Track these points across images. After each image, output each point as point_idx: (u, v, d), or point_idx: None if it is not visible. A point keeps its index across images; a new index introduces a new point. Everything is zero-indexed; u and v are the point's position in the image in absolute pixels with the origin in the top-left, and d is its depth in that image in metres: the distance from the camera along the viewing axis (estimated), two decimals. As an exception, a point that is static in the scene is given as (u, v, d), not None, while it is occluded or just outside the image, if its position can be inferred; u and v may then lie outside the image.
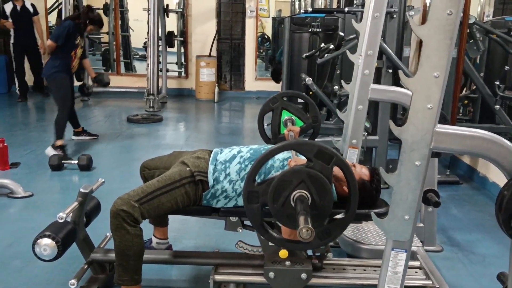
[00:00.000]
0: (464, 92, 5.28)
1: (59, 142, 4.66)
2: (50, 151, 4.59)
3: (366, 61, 2.45)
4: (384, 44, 3.74)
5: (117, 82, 8.88)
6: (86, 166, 4.34)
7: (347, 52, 2.76)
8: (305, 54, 5.24)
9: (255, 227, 1.71)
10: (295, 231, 1.81)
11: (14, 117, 7.19)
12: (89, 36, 8.00)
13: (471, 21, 4.47)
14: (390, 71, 3.86)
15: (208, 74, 8.63)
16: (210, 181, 2.19)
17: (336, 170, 2.22)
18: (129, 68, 10.09)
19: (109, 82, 5.52)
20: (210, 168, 2.22)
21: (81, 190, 2.34)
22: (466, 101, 5.28)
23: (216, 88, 8.63)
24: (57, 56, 4.77)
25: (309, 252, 2.38)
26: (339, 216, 1.83)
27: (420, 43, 1.47)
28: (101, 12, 8.15)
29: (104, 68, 9.76)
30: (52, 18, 9.72)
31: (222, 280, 2.32)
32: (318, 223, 1.71)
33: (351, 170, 1.76)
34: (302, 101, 3.41)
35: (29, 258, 2.30)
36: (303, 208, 1.60)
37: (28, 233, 2.41)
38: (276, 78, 8.32)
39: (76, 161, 4.37)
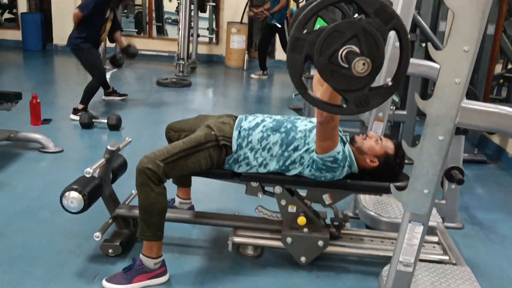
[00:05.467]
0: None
1: (80, 106, 4.75)
2: (72, 116, 4.70)
3: (397, 33, 2.40)
4: (419, 17, 3.64)
5: (149, 45, 8.92)
6: (115, 126, 4.44)
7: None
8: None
9: (292, 79, 1.51)
10: (333, 96, 1.72)
11: (49, 74, 7.34)
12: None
13: (512, -3, 4.32)
14: (423, 45, 3.77)
15: (238, 41, 8.58)
16: (234, 146, 2.23)
17: (360, 142, 2.24)
18: (161, 31, 10.11)
19: (136, 54, 5.52)
20: (235, 133, 2.25)
21: (109, 147, 2.41)
22: (501, 81, 5.14)
23: (246, 55, 8.59)
24: (83, 27, 4.67)
25: (327, 221, 2.41)
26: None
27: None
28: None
29: (137, 30, 9.83)
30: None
31: (241, 242, 2.38)
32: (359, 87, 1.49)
33: (407, 37, 1.49)
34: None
35: (56, 210, 2.39)
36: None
37: (57, 186, 2.49)
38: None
39: (105, 120, 4.47)
